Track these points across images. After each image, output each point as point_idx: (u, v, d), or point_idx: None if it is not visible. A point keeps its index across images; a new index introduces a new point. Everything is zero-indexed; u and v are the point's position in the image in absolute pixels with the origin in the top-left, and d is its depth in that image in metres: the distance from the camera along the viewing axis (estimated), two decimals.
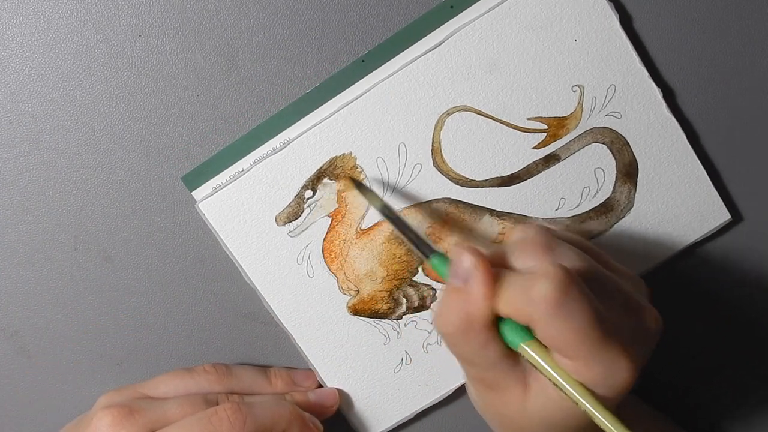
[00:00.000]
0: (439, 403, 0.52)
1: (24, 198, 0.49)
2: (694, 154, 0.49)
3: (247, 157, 0.49)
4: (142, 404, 0.46)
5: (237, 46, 0.47)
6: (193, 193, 0.49)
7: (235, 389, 0.49)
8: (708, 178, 0.49)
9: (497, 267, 0.39)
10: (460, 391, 0.52)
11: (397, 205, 0.49)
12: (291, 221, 0.49)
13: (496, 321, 0.39)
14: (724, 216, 0.50)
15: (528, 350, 0.38)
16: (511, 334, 0.39)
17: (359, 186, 0.48)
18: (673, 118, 0.48)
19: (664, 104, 0.48)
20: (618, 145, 0.49)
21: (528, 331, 0.39)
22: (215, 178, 0.49)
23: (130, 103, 0.48)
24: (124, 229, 0.50)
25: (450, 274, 0.40)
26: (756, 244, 0.51)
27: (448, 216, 0.49)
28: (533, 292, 0.37)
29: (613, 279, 0.41)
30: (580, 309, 0.37)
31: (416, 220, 0.49)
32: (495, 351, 0.39)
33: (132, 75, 0.47)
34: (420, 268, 0.50)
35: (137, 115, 0.48)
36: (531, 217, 0.49)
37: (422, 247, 0.43)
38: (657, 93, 0.48)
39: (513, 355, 0.40)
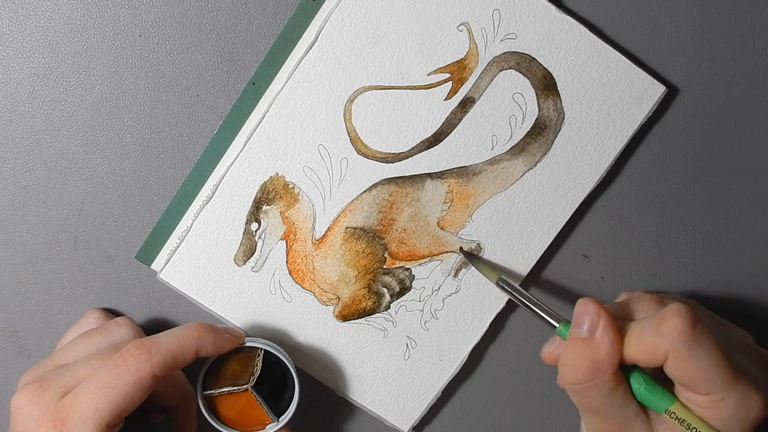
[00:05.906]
0: (457, 379, 0.52)
1: (24, 198, 0.49)
2: (604, 44, 0.47)
3: (186, 214, 0.49)
4: (52, 375, 0.44)
5: (237, 46, 0.47)
6: (151, 266, 0.50)
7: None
8: (627, 60, 0.48)
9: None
10: (474, 360, 0.52)
11: (339, 203, 0.49)
12: (249, 257, 0.49)
13: (623, 373, 0.40)
14: (659, 89, 0.48)
15: (676, 413, 0.39)
16: (652, 400, 0.40)
17: (470, 257, 0.49)
18: (569, 17, 0.47)
19: (553, 8, 0.47)
20: (525, 63, 0.47)
21: (665, 394, 0.40)
22: (166, 244, 0.50)
23: (130, 103, 0.48)
24: (124, 229, 0.50)
25: (573, 324, 0.40)
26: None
27: (392, 196, 0.49)
28: (665, 328, 0.38)
29: (728, 325, 0.44)
30: (710, 340, 0.38)
31: (363, 212, 0.49)
32: (623, 397, 0.40)
33: (132, 75, 0.48)
34: (386, 254, 0.50)
35: (137, 115, 0.48)
36: (470, 167, 0.49)
37: (550, 318, 0.43)
38: None
39: (637, 402, 0.40)
